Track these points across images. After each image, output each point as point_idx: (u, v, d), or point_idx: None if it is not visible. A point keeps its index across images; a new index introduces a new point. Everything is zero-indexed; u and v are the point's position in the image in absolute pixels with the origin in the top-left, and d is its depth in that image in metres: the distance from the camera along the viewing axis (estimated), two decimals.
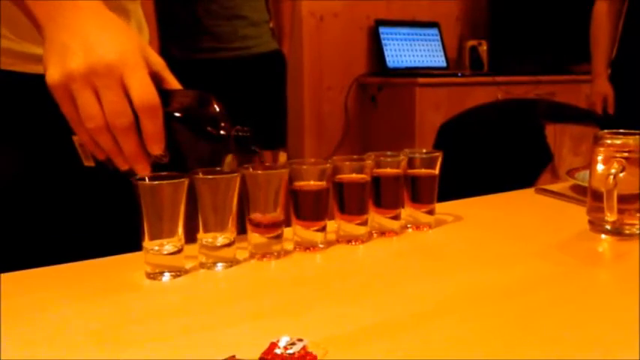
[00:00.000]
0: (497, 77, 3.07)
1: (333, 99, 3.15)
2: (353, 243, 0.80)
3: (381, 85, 3.07)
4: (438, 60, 3.31)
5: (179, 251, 0.68)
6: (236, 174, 0.70)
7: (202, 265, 0.71)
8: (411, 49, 3.23)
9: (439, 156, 0.86)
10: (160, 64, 0.68)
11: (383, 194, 0.83)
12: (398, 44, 3.20)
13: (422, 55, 3.26)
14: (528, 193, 1.11)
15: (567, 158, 3.00)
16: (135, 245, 0.69)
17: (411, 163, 0.85)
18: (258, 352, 0.47)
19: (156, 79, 0.67)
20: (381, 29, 3.17)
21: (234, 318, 0.57)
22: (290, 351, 0.47)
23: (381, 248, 0.80)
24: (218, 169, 0.70)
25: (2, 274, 0.67)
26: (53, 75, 0.63)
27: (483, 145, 2.04)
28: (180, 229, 0.67)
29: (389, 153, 0.84)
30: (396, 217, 0.84)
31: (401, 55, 3.19)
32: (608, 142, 0.83)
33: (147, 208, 0.66)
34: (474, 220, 0.94)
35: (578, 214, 0.90)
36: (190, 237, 0.70)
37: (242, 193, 0.72)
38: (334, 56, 3.13)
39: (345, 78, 3.16)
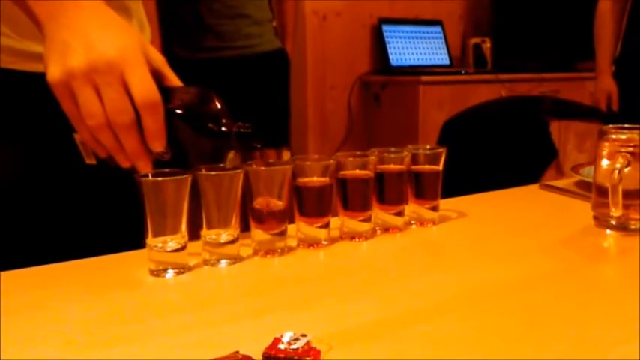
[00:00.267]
0: (500, 75, 3.06)
1: (337, 97, 3.15)
2: (356, 239, 0.80)
3: (385, 84, 3.06)
4: (442, 58, 3.30)
5: (182, 248, 0.68)
6: (239, 170, 0.69)
7: (206, 262, 0.71)
8: (415, 47, 3.22)
9: (443, 152, 0.85)
10: (160, 60, 0.68)
11: (386, 191, 0.82)
12: (401, 42, 3.19)
13: (425, 53, 3.25)
14: (533, 189, 1.11)
15: (572, 155, 2.99)
16: (138, 242, 0.69)
17: (414, 160, 0.84)
18: (262, 347, 0.47)
19: (156, 76, 0.67)
20: (385, 27, 3.16)
21: (237, 314, 0.57)
22: (294, 346, 0.47)
23: (384, 245, 0.80)
24: (221, 165, 0.70)
25: (3, 272, 0.67)
26: (54, 73, 0.63)
27: (488, 143, 2.04)
28: (184, 226, 0.67)
29: (392, 149, 0.83)
30: (400, 214, 0.84)
31: (404, 54, 3.18)
32: (613, 136, 0.82)
33: (150, 205, 0.65)
34: (479, 216, 0.93)
35: (582, 210, 0.90)
36: (194, 234, 0.70)
37: (245, 190, 0.71)
38: (337, 55, 3.13)
39: (348, 76, 3.16)
